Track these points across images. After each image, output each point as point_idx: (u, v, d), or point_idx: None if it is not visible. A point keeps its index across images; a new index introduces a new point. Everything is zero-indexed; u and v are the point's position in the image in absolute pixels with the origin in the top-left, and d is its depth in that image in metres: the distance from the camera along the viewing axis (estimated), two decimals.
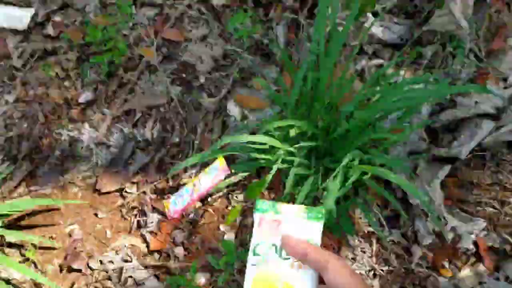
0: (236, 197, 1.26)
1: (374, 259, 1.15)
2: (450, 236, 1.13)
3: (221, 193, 1.27)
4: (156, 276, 1.18)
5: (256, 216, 0.50)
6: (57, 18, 1.56)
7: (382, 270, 1.14)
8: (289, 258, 0.46)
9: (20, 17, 1.53)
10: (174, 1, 1.61)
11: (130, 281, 1.17)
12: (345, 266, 0.43)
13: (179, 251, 1.20)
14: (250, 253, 0.47)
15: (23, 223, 1.28)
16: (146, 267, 1.19)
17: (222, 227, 1.22)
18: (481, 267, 1.12)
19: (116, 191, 1.32)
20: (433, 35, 1.33)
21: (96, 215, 1.29)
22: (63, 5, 1.60)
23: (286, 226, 0.48)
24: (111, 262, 1.20)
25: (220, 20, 1.58)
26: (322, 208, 0.49)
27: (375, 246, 1.16)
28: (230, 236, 1.21)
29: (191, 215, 1.24)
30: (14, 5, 1.59)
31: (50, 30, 1.53)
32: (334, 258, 0.43)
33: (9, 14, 1.53)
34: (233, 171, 1.24)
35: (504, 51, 1.30)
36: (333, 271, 0.42)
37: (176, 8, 1.60)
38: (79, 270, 1.20)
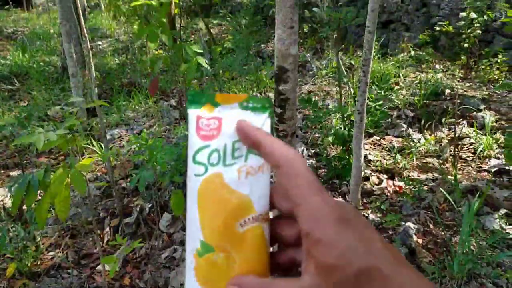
0: None
1: None
2: None
3: None
4: None
5: (192, 113, 0.42)
6: None
7: None
8: (235, 163, 0.40)
9: None
10: None
11: None
12: (300, 166, 0.37)
13: None
14: (190, 161, 0.41)
15: None
16: None
17: None
18: None
19: None
20: None
21: None
22: None
23: (227, 122, 0.41)
24: None
25: None
26: (267, 98, 0.43)
27: None
28: None
29: None
30: None
31: None
32: (290, 155, 0.37)
33: None
34: None
35: None
36: (286, 171, 0.37)
37: None
38: None
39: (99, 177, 3.76)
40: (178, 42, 3.14)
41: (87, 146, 3.81)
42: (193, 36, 7.32)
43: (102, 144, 3.77)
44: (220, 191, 0.40)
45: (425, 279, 0.33)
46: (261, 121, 0.42)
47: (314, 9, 3.40)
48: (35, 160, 4.12)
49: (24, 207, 2.96)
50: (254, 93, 5.03)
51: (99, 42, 10.10)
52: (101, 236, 3.06)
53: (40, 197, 2.24)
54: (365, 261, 0.32)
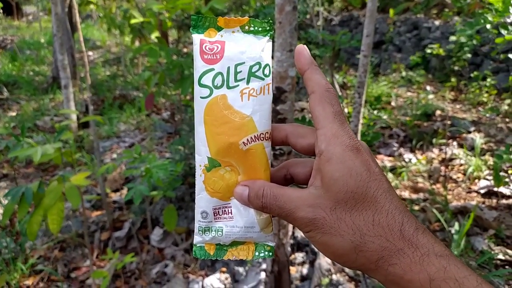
0: None
1: None
2: None
3: None
4: None
5: (195, 38, 0.44)
6: None
7: None
8: (238, 86, 0.43)
9: None
10: None
11: None
12: (331, 97, 0.40)
13: None
14: (196, 84, 0.43)
15: None
16: None
17: None
18: None
19: None
20: None
21: None
22: None
23: (230, 45, 0.43)
24: None
25: None
26: (268, 20, 0.44)
27: None
28: None
29: None
30: None
31: None
32: (325, 86, 0.41)
33: None
34: None
35: None
36: (318, 97, 0.40)
37: None
38: None
39: (89, 190, 3.72)
40: (174, 57, 3.17)
41: (79, 158, 3.78)
42: (185, 49, 7.36)
43: (93, 156, 3.75)
44: (224, 112, 0.42)
45: (408, 212, 0.38)
46: (262, 44, 0.44)
47: (310, 30, 3.46)
48: (24, 170, 4.07)
49: (16, 218, 2.91)
50: None
51: (90, 53, 10.11)
52: (91, 249, 3.02)
53: (31, 210, 2.22)
54: (365, 184, 0.37)
